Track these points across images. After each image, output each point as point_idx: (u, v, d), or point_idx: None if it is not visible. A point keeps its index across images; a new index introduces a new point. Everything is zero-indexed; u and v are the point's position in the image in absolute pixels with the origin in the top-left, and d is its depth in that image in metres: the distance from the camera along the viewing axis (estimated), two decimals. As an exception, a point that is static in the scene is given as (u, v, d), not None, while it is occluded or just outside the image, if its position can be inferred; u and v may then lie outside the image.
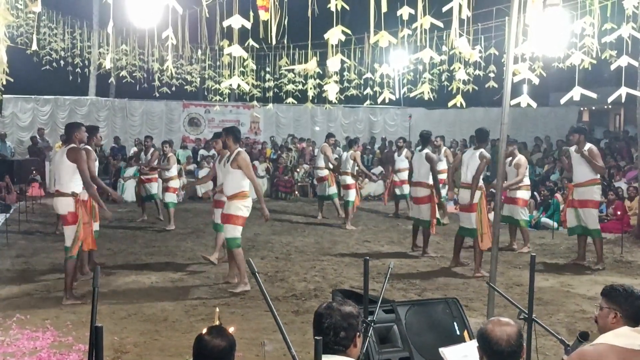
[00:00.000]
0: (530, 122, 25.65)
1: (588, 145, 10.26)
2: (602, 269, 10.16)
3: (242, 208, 8.67)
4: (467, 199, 9.91)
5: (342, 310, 3.11)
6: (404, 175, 15.26)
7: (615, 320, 3.64)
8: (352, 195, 14.28)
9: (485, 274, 9.76)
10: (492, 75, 13.52)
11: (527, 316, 4.35)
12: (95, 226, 9.12)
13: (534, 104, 5.68)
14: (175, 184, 14.02)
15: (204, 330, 3.43)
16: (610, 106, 29.01)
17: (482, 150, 10.00)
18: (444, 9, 5.49)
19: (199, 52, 16.16)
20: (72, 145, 8.09)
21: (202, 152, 21.56)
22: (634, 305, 3.64)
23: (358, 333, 3.14)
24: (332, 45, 5.02)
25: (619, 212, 13.48)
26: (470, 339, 5.20)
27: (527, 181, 11.59)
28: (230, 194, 8.70)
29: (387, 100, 7.06)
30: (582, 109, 28.73)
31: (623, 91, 5.93)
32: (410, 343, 5.13)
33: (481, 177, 9.92)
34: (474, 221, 9.79)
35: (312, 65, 5.43)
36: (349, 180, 14.34)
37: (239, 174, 8.62)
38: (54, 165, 8.68)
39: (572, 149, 10.46)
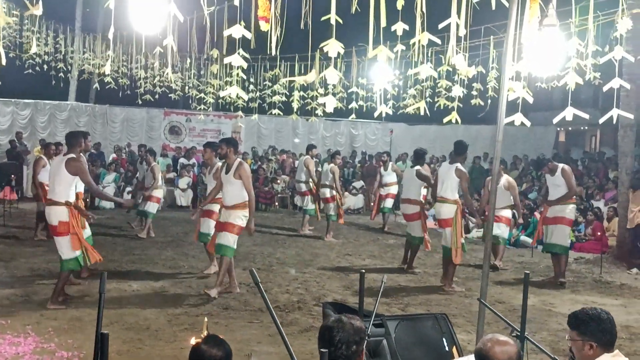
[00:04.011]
0: (509, 140, 25.77)
1: (561, 166, 10.57)
2: (564, 281, 10.39)
3: (242, 218, 8.81)
4: (445, 213, 9.96)
5: (354, 324, 3.10)
6: (390, 189, 15.41)
7: (592, 352, 3.50)
8: (332, 209, 14.27)
9: (457, 288, 9.85)
10: (475, 93, 13.60)
11: (519, 333, 4.38)
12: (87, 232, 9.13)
13: (527, 123, 5.75)
14: (158, 193, 13.81)
15: (198, 340, 3.40)
16: (586, 127, 29.46)
17: (457, 164, 9.98)
18: (440, 26, 5.54)
19: (188, 60, 16.10)
20: (72, 155, 8.00)
21: (182, 160, 21.42)
22: (607, 331, 3.51)
23: (364, 348, 3.14)
24: (329, 58, 5.04)
25: (598, 233, 13.63)
26: (459, 355, 5.22)
27: (512, 200, 11.69)
28: (231, 205, 8.81)
29: (383, 114, 7.08)
30: (559, 129, 29.11)
31: (615, 112, 6.01)
32: (399, 358, 5.12)
33: (456, 190, 9.97)
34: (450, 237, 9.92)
35: (311, 77, 5.44)
36: (328, 193, 14.34)
37: (239, 184, 8.75)
38: (50, 173, 8.54)
39: (547, 173, 10.86)
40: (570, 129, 30.59)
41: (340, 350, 3.07)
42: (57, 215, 7.89)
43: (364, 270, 4.56)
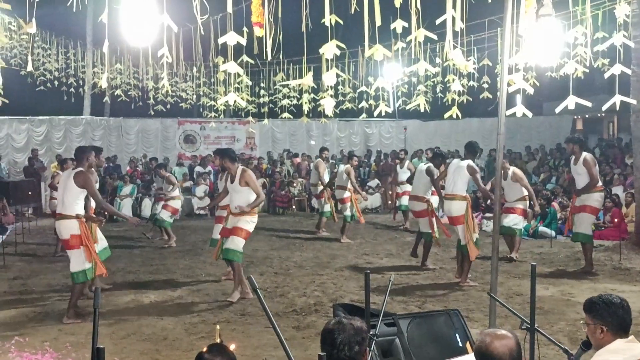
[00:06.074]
0: (524, 131, 25.73)
1: (584, 155, 10.40)
2: (591, 270, 10.39)
3: (250, 223, 8.96)
4: (455, 210, 9.92)
5: (355, 325, 3.11)
6: (406, 187, 15.28)
7: (603, 335, 3.52)
8: (348, 210, 14.21)
9: (472, 283, 9.80)
10: (486, 86, 13.55)
11: (529, 326, 4.34)
12: (100, 246, 9.13)
13: (529, 114, 5.71)
14: (176, 204, 13.92)
15: (204, 349, 3.40)
16: (603, 114, 29.16)
17: (469, 161, 9.94)
18: (437, 21, 5.52)
19: (194, 69, 16.18)
20: (80, 169, 8.08)
21: (198, 169, 21.52)
22: (617, 315, 3.52)
23: (367, 347, 3.14)
24: (328, 60, 5.04)
25: (616, 220, 13.49)
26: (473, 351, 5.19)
27: (524, 192, 11.63)
28: (239, 211, 8.90)
29: (383, 113, 7.08)
30: (575, 117, 28.86)
31: (617, 99, 5.95)
32: (412, 356, 5.09)
33: (465, 187, 9.98)
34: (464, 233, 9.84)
35: (307, 80, 5.44)
36: (345, 194, 14.28)
37: (247, 191, 8.87)
38: (59, 187, 8.50)
39: (571, 161, 10.68)
40: (587, 116, 30.30)
41: (343, 351, 3.07)
42: (67, 228, 7.95)
43: (368, 271, 4.54)
